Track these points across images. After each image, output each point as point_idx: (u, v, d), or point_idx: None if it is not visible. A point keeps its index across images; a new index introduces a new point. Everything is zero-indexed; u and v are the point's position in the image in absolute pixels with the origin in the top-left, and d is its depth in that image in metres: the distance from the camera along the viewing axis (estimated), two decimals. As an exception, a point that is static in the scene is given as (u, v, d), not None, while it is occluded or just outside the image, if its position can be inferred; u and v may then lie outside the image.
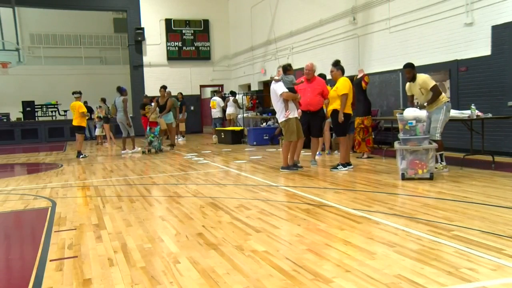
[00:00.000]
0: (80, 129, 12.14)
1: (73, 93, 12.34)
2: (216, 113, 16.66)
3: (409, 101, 7.51)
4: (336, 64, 7.83)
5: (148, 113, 14.62)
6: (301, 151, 8.36)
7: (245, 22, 20.14)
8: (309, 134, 8.40)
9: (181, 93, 17.18)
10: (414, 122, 6.46)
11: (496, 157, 7.39)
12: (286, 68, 8.10)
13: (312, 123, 8.25)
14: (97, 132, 17.25)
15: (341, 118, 7.48)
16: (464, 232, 3.78)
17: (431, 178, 6.26)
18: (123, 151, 12.43)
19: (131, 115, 15.47)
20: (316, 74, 8.47)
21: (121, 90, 12.54)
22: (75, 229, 4.54)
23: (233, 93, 17.09)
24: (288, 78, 7.98)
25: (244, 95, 16.94)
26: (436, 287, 2.72)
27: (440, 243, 3.52)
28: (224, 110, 16.45)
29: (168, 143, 14.03)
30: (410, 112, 6.54)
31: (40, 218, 5.24)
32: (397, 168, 6.80)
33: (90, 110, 20.17)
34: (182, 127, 16.59)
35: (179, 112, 15.86)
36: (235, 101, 16.40)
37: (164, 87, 13.49)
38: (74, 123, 12.13)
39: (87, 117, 12.48)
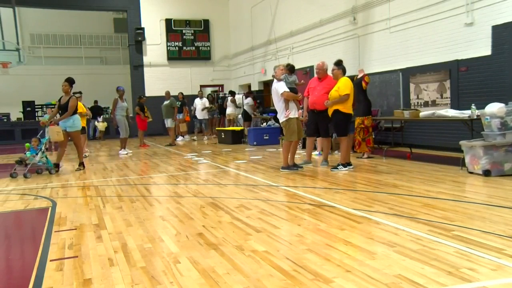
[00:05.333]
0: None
1: (74, 93, 12.31)
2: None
3: None
4: (339, 63, 7.84)
5: (147, 114, 14.65)
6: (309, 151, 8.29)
7: (245, 22, 20.14)
8: (317, 133, 8.39)
9: (181, 93, 17.18)
10: (489, 117, 6.51)
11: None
12: (293, 68, 8.09)
13: (319, 123, 8.22)
14: None
15: (327, 104, 7.62)
16: (464, 232, 3.78)
17: (484, 175, 6.32)
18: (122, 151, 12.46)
19: (130, 115, 15.48)
20: None
21: (116, 90, 12.47)
22: (76, 229, 4.54)
23: (232, 93, 17.28)
24: (291, 78, 7.98)
25: (243, 95, 16.96)
26: (436, 287, 2.72)
27: (440, 243, 3.52)
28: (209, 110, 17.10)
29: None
30: (488, 108, 6.58)
31: (40, 218, 5.24)
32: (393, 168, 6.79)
33: (99, 109, 20.18)
34: (184, 127, 16.64)
35: (179, 112, 15.88)
36: (233, 101, 16.64)
37: (68, 80, 9.12)
38: None
39: (87, 117, 12.42)
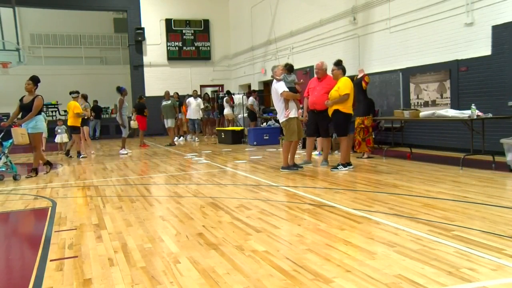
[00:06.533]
0: (74, 129, 11.99)
1: (71, 93, 12.30)
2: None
3: None
4: (338, 64, 7.84)
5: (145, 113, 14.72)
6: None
7: (245, 22, 20.14)
8: (317, 133, 8.40)
9: (176, 93, 17.13)
10: None
11: (496, 157, 7.37)
12: (292, 67, 8.09)
13: (319, 123, 8.22)
14: (58, 139, 13.78)
15: (328, 104, 7.63)
16: (464, 232, 3.78)
17: None
18: (123, 151, 12.49)
19: (130, 115, 15.51)
20: None
21: (119, 90, 12.52)
22: (76, 229, 4.53)
23: (228, 93, 17.43)
24: (290, 77, 7.98)
25: (244, 95, 16.99)
26: (436, 287, 2.72)
27: (440, 243, 3.52)
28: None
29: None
30: None
31: (40, 218, 5.24)
32: (397, 168, 6.78)
33: (99, 109, 20.21)
34: (185, 127, 16.65)
35: (178, 113, 15.87)
36: (227, 101, 16.74)
37: (33, 79, 8.54)
38: (69, 123, 11.99)
39: (86, 117, 12.39)
